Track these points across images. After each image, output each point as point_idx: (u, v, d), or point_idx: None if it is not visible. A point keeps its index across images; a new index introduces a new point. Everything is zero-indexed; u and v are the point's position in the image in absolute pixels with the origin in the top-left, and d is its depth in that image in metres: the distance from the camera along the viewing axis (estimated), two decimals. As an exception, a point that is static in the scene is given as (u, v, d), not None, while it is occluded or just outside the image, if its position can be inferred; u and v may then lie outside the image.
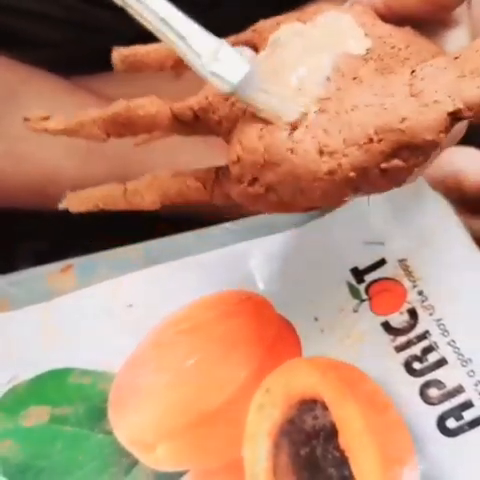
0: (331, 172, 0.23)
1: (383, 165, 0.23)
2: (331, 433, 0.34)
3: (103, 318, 0.37)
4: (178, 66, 0.29)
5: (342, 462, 0.33)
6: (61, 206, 0.28)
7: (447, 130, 0.23)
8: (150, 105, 0.26)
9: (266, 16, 0.30)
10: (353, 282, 0.38)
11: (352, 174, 0.23)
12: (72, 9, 0.49)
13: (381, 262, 0.38)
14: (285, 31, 0.27)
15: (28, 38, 0.49)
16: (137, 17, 0.24)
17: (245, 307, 0.37)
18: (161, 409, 0.35)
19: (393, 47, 0.26)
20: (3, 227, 0.49)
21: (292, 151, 0.23)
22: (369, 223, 0.39)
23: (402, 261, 0.38)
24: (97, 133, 0.26)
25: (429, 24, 0.28)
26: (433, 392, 0.34)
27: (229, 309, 0.37)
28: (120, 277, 0.38)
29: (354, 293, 0.38)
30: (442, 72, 0.24)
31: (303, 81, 0.25)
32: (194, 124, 0.26)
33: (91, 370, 0.36)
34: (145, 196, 0.27)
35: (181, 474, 0.33)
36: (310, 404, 0.34)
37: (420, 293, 0.37)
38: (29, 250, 0.47)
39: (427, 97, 0.23)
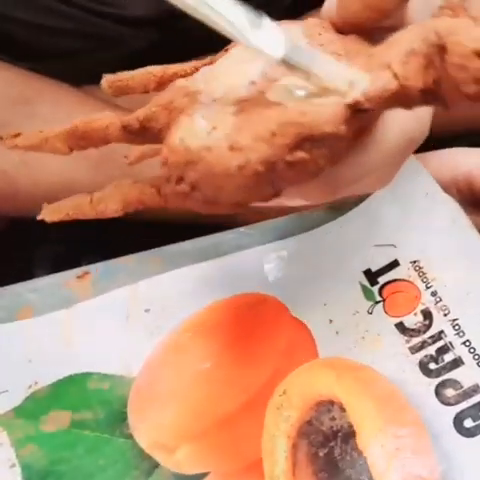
0: (241, 167, 0.24)
1: (288, 158, 0.24)
2: (349, 434, 0.34)
3: (121, 323, 0.38)
4: (160, 87, 0.30)
5: (360, 463, 0.33)
6: (38, 217, 0.29)
7: (348, 122, 0.24)
8: (103, 118, 0.28)
9: None
10: (366, 284, 0.38)
11: (260, 168, 0.24)
12: (83, 21, 0.50)
13: (394, 264, 0.38)
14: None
15: (41, 49, 0.50)
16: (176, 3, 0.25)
17: (261, 310, 0.38)
18: (180, 412, 0.35)
19: (333, 53, 0.27)
20: (21, 233, 0.49)
21: (208, 149, 0.24)
22: (381, 226, 0.40)
23: (415, 262, 0.38)
24: (60, 147, 0.28)
25: (378, 32, 0.28)
26: (449, 392, 0.35)
27: (245, 312, 0.38)
28: (137, 282, 0.39)
29: (368, 295, 0.38)
30: (348, 68, 0.25)
31: (231, 85, 0.26)
32: (142, 134, 0.28)
33: (110, 375, 0.37)
34: (108, 204, 0.28)
35: (201, 476, 0.34)
36: (327, 405, 0.35)
37: (434, 294, 0.37)
38: (47, 255, 0.48)
39: (328, 91, 0.24)
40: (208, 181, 0.24)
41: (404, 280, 0.38)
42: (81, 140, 0.28)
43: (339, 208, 0.40)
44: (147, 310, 0.38)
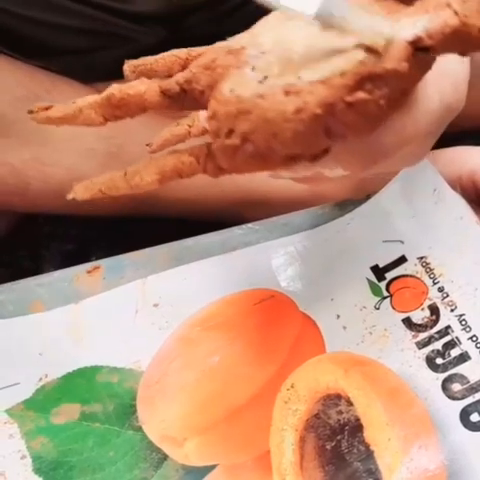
0: (298, 110, 0.23)
1: (348, 98, 0.23)
2: (356, 427, 0.34)
3: (130, 317, 0.38)
4: (184, 70, 0.30)
5: (367, 456, 0.33)
6: (69, 196, 0.29)
7: (409, 59, 0.24)
8: (139, 84, 0.27)
9: None
10: (374, 279, 0.39)
11: (319, 111, 0.23)
12: (92, 19, 0.50)
13: (401, 259, 0.39)
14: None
15: (50, 47, 0.50)
16: None
17: (269, 305, 0.38)
18: (189, 405, 0.35)
19: (376, 13, 0.26)
20: (31, 229, 0.50)
21: (261, 96, 0.24)
22: (388, 222, 0.40)
23: (422, 258, 0.39)
24: (94, 117, 0.27)
25: None
26: (456, 387, 0.35)
27: (253, 307, 0.38)
28: (146, 277, 0.39)
29: (375, 290, 0.38)
30: (385, 21, 0.25)
31: (279, 37, 0.26)
32: (181, 98, 0.27)
33: (119, 368, 0.37)
34: (144, 176, 0.27)
35: (210, 468, 0.34)
36: (334, 399, 0.35)
37: (441, 290, 0.37)
38: (56, 253, 0.48)
39: (388, 32, 0.24)
40: (262, 129, 0.24)
41: (411, 276, 0.38)
42: (117, 109, 0.27)
43: (346, 205, 0.41)
44: (156, 305, 0.38)
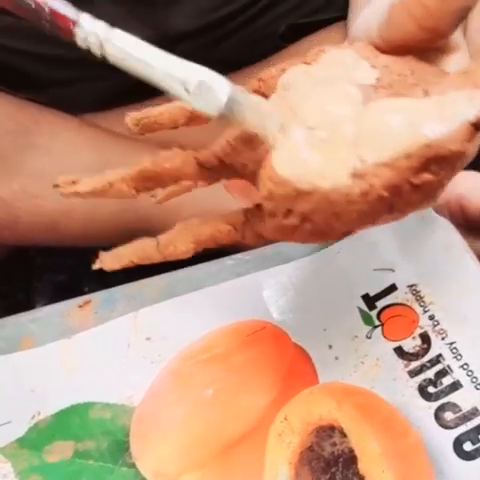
0: (364, 194, 0.23)
1: (414, 181, 0.24)
2: (350, 459, 0.34)
3: (122, 352, 0.38)
4: (190, 122, 0.30)
5: (362, 488, 0.33)
6: (95, 267, 0.28)
7: (471, 139, 0.24)
8: (175, 157, 0.27)
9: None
10: (365, 308, 0.39)
11: (385, 193, 0.23)
12: (78, 48, 0.50)
13: (392, 288, 0.39)
14: (292, 73, 0.28)
15: (41, 79, 0.50)
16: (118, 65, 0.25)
17: (261, 337, 0.38)
18: (183, 440, 0.35)
19: (400, 74, 0.27)
20: (22, 262, 0.50)
21: (323, 178, 0.24)
22: (378, 250, 0.40)
23: (412, 286, 0.39)
24: (126, 191, 0.27)
25: (427, 53, 0.28)
26: (448, 416, 0.35)
27: (245, 339, 0.38)
28: (138, 311, 0.39)
29: (366, 319, 0.38)
30: (455, 86, 0.25)
31: (325, 109, 0.25)
32: (220, 169, 0.27)
33: (111, 404, 0.37)
34: (178, 246, 0.27)
35: (205, 505, 0.34)
36: (328, 431, 0.35)
37: (431, 318, 0.38)
38: (47, 284, 0.48)
39: (448, 110, 0.24)
40: (323, 210, 0.24)
41: (402, 304, 0.38)
42: (150, 181, 0.27)
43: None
44: (148, 338, 0.38)
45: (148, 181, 0.27)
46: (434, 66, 0.28)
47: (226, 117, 0.24)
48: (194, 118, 0.29)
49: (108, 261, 0.28)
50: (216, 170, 0.27)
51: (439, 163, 0.24)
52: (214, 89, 0.24)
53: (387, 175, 0.23)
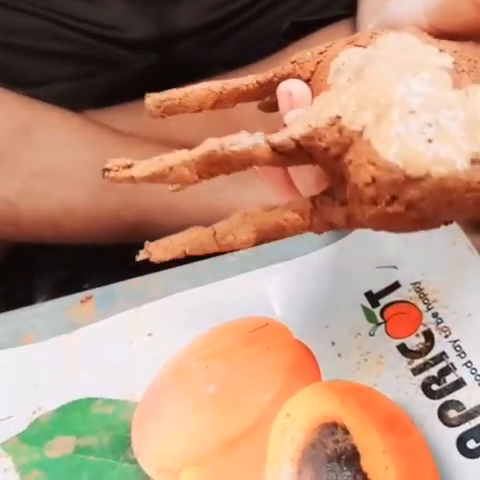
0: None
1: None
2: (353, 456, 0.34)
3: (123, 348, 0.38)
4: (218, 105, 0.29)
5: (365, 485, 0.33)
6: (140, 257, 0.27)
7: None
8: (245, 139, 0.25)
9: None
10: (368, 306, 0.38)
11: None
12: (83, 45, 0.50)
13: (395, 285, 0.39)
14: (349, 56, 0.27)
15: (40, 75, 0.50)
16: None
17: (263, 333, 0.38)
18: (184, 436, 0.35)
19: (469, 60, 0.26)
20: (23, 258, 0.50)
21: (439, 163, 0.22)
22: (382, 247, 0.40)
23: (416, 284, 0.39)
24: (188, 175, 0.24)
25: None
26: (452, 413, 0.35)
27: (248, 336, 0.38)
28: (140, 307, 0.39)
29: (369, 317, 0.38)
30: None
31: (418, 91, 0.24)
32: (295, 154, 0.25)
33: (113, 399, 0.37)
34: (238, 235, 0.26)
35: (207, 501, 0.34)
36: (331, 428, 0.35)
37: (435, 315, 0.37)
38: (48, 281, 0.48)
39: None
40: (435, 197, 0.22)
41: (405, 302, 0.38)
42: (217, 166, 0.25)
43: (340, 231, 0.41)
44: (150, 334, 0.38)
45: (215, 166, 0.25)
46: None
47: None
48: (221, 100, 0.28)
49: (159, 252, 0.26)
50: (290, 154, 0.25)
51: None
52: None
53: None
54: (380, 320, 0.38)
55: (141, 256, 0.27)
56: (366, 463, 0.34)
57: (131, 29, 0.50)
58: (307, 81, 0.29)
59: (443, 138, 0.23)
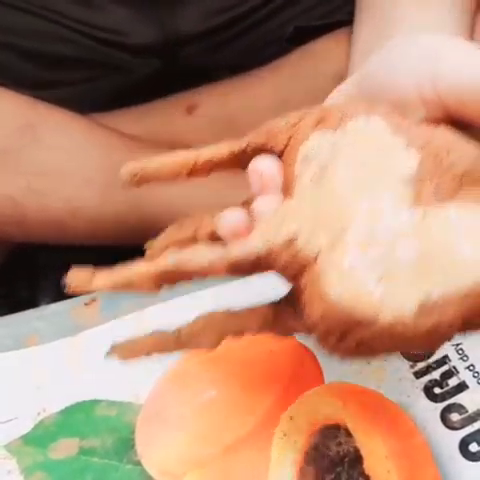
0: (434, 327, 0.22)
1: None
2: (356, 459, 0.34)
3: (128, 350, 0.38)
4: (193, 175, 0.29)
5: (368, 488, 0.33)
6: (106, 356, 0.28)
7: None
8: (201, 257, 0.25)
9: None
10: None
11: (455, 327, 0.23)
12: (87, 49, 0.50)
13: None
14: (316, 142, 0.27)
15: (46, 78, 0.51)
16: None
17: (266, 336, 0.38)
18: (188, 439, 0.35)
19: (436, 156, 0.25)
20: (26, 260, 0.50)
21: (385, 309, 0.23)
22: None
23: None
24: (148, 286, 0.26)
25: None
26: (454, 417, 0.35)
27: (251, 339, 0.37)
28: (143, 309, 0.39)
29: (372, 320, 0.38)
30: None
31: (377, 217, 0.24)
32: (253, 269, 0.26)
33: (117, 401, 0.37)
34: (201, 340, 0.27)
35: (210, 503, 0.34)
36: (333, 430, 0.35)
37: (437, 319, 0.38)
38: (54, 281, 0.48)
39: None
40: (385, 340, 0.23)
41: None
42: (175, 279, 0.26)
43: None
44: (154, 337, 0.38)
45: (172, 279, 0.26)
46: (467, 139, 0.26)
47: None
48: (196, 171, 0.28)
49: (123, 353, 0.28)
50: (247, 269, 0.26)
51: None
52: None
53: (458, 307, 0.22)
54: (383, 323, 0.38)
55: (108, 356, 0.28)
56: (369, 466, 0.34)
57: (134, 34, 0.51)
58: (280, 153, 0.28)
59: (392, 281, 0.23)
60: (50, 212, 0.46)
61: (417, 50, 0.28)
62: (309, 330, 0.25)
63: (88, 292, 0.26)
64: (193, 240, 0.30)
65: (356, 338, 0.23)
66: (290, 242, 0.25)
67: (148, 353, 0.27)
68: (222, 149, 0.28)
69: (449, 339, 0.24)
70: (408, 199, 0.24)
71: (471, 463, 0.34)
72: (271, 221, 0.25)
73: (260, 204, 0.27)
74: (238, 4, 0.52)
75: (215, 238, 0.28)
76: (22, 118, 0.47)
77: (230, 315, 0.27)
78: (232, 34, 0.53)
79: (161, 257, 0.26)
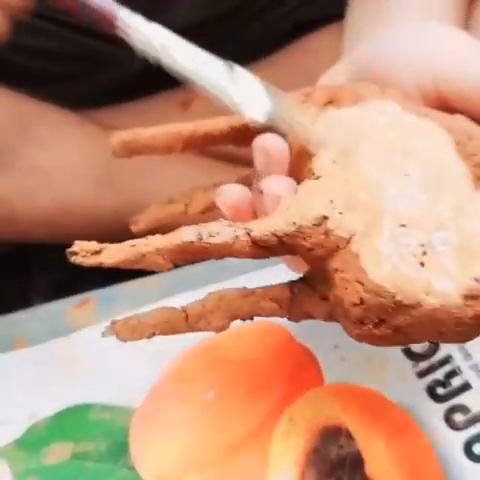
0: (477, 316, 0.22)
1: None
2: (357, 462, 0.33)
3: (122, 352, 0.37)
4: (187, 148, 0.27)
5: (370, 491, 0.33)
6: (104, 336, 0.26)
7: None
8: (225, 232, 0.23)
9: None
10: (371, 307, 0.38)
11: None
12: (79, 44, 0.49)
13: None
14: (332, 122, 0.26)
15: (39, 74, 0.50)
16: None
17: (265, 337, 0.37)
18: (185, 442, 0.34)
19: (459, 142, 0.25)
20: (20, 259, 0.49)
21: (429, 293, 0.22)
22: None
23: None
24: (162, 263, 0.23)
25: None
26: (458, 417, 0.34)
27: (250, 340, 0.37)
28: (138, 309, 0.38)
29: (373, 319, 0.38)
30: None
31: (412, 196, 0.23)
32: (276, 248, 0.24)
33: (111, 405, 0.36)
34: (211, 321, 0.25)
35: (207, 507, 0.33)
36: (334, 432, 0.34)
37: (440, 317, 0.37)
38: (47, 281, 0.47)
39: None
40: (424, 326, 0.22)
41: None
42: (191, 255, 0.24)
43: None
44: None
45: (190, 256, 0.24)
46: None
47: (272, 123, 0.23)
48: (191, 144, 0.27)
49: (126, 332, 0.25)
50: (271, 248, 0.24)
51: None
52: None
53: None
54: (384, 322, 0.37)
55: (106, 334, 0.26)
56: (371, 469, 0.33)
57: None
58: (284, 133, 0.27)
59: (435, 265, 0.22)
60: (40, 210, 0.46)
61: (417, 44, 0.28)
62: (329, 315, 0.24)
63: (100, 265, 0.23)
64: (184, 215, 0.29)
65: (394, 324, 0.22)
66: (319, 223, 0.23)
67: (152, 333, 0.25)
68: (221, 123, 0.27)
69: None
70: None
71: (476, 464, 0.33)
72: (295, 200, 0.24)
73: (271, 185, 0.25)
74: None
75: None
76: (14, 116, 0.47)
77: (243, 294, 0.25)
78: (227, 28, 0.52)
79: (175, 232, 0.24)
